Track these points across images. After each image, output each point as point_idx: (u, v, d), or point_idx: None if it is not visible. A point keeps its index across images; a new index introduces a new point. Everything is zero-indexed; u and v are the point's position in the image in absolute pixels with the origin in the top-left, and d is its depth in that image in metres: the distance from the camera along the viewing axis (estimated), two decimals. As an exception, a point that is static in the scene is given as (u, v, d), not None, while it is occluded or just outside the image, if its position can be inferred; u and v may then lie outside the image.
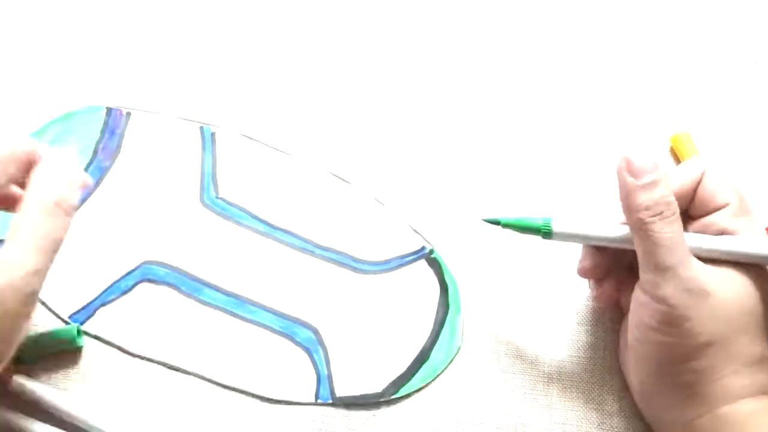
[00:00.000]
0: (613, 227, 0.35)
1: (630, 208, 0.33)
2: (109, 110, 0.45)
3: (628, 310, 0.36)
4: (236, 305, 0.40)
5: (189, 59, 0.46)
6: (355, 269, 0.41)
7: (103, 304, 0.40)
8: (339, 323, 0.40)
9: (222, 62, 0.46)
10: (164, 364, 0.39)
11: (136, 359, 0.40)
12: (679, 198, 0.34)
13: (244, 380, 0.39)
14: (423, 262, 0.41)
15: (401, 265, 0.41)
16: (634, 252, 0.34)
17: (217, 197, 0.43)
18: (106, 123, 0.44)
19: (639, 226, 0.33)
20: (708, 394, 0.33)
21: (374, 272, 0.41)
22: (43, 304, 0.40)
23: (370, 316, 0.40)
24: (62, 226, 0.32)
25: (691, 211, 0.36)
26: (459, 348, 0.40)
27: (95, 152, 0.43)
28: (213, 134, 0.44)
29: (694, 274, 0.32)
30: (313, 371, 0.39)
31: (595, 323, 0.40)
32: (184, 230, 0.42)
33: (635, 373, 0.36)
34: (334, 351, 0.40)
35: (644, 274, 0.33)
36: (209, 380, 0.39)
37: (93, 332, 0.40)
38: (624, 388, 0.38)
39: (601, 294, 0.38)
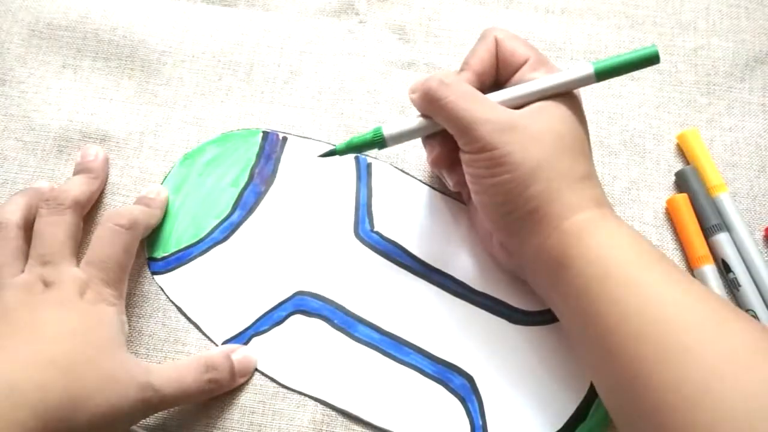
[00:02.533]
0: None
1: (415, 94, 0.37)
2: (266, 134, 0.44)
3: None
4: (389, 345, 0.40)
5: (346, 88, 0.46)
6: (510, 318, 0.40)
7: (257, 334, 0.40)
8: (494, 373, 0.39)
9: (379, 91, 0.46)
10: (314, 398, 0.39)
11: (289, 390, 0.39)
12: (486, 71, 0.37)
13: (395, 422, 0.38)
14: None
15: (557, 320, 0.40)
16: None
17: (372, 231, 0.42)
18: (262, 147, 0.44)
19: (430, 104, 0.36)
20: (551, 213, 0.35)
21: (530, 323, 0.40)
22: (199, 329, 0.40)
23: (526, 368, 0.39)
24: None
25: (499, 78, 0.38)
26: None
27: (251, 176, 0.43)
28: (369, 165, 0.44)
29: (498, 115, 0.35)
30: (467, 420, 0.38)
31: None
32: (338, 262, 0.41)
33: (489, 223, 0.38)
34: (488, 401, 0.39)
35: (460, 138, 0.36)
36: (358, 418, 0.39)
37: (247, 361, 0.40)
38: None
39: (456, 183, 0.39)
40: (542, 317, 0.40)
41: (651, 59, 0.36)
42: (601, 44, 0.47)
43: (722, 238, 0.41)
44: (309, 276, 0.41)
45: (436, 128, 0.37)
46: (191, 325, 0.40)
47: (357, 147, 0.38)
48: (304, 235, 0.42)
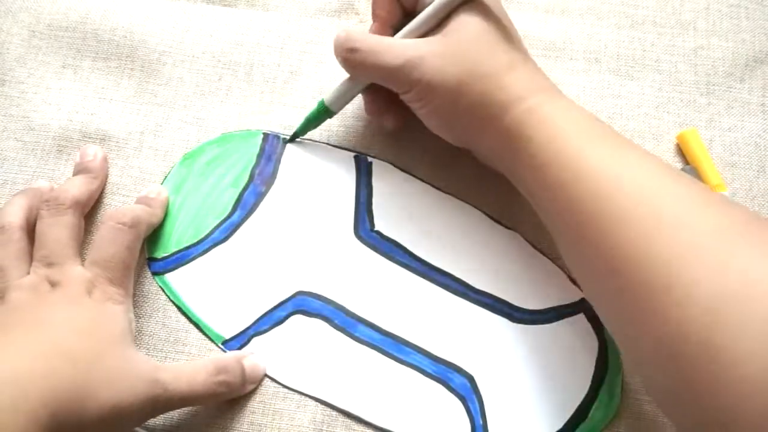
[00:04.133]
0: None
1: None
2: (266, 135, 0.44)
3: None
4: (390, 345, 0.40)
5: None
6: (511, 317, 0.40)
7: (257, 334, 0.40)
8: (494, 372, 0.39)
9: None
10: (314, 398, 0.39)
11: (289, 390, 0.39)
12: (391, 11, 0.40)
13: (395, 422, 0.38)
14: (582, 317, 0.40)
15: (560, 317, 0.40)
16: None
17: (371, 230, 0.42)
18: (262, 148, 0.44)
19: (351, 69, 0.40)
20: (491, 114, 0.37)
21: (531, 322, 0.40)
22: (199, 329, 0.40)
23: (527, 367, 0.39)
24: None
25: (408, 8, 0.41)
26: (617, 410, 0.39)
27: (251, 177, 0.43)
28: (369, 164, 0.44)
29: (407, 54, 0.37)
30: (468, 420, 0.38)
31: None
32: (339, 262, 0.41)
33: (443, 136, 0.40)
34: (489, 401, 0.39)
35: (387, 86, 0.39)
36: (359, 418, 0.39)
37: (247, 361, 0.40)
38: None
39: (394, 125, 0.43)
40: (543, 316, 0.40)
41: None
42: (600, 44, 0.47)
43: (722, 238, 0.41)
44: (309, 276, 0.41)
45: (365, 83, 0.41)
46: (191, 325, 0.40)
47: (311, 122, 0.43)
48: (304, 235, 0.42)
